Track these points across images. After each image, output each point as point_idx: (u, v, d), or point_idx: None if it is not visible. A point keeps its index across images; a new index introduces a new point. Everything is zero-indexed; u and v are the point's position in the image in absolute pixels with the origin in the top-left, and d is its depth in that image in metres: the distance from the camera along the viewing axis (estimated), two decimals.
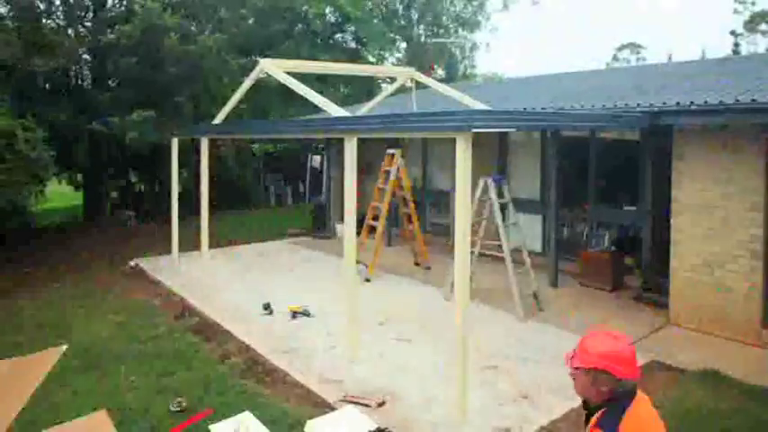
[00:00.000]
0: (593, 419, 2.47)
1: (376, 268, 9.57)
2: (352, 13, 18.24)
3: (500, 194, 7.81)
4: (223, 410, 5.23)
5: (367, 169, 12.79)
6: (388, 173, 9.70)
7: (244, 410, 5.19)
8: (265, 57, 9.69)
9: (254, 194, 19.65)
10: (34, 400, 5.43)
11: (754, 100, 6.19)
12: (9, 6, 12.29)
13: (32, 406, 5.35)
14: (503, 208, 7.87)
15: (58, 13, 13.53)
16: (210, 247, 10.38)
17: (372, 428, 4.65)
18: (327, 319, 7.42)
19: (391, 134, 6.44)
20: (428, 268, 9.98)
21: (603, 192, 9.32)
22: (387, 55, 23.73)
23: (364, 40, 20.48)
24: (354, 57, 19.64)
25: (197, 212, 10.44)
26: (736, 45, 34.74)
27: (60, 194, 16.82)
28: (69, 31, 13.33)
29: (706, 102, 6.54)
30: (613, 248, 8.98)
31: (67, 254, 11.65)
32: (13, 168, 9.55)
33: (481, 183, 7.77)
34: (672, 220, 7.21)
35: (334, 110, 6.91)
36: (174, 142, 10.85)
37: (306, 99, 7.48)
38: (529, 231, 10.32)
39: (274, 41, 18.07)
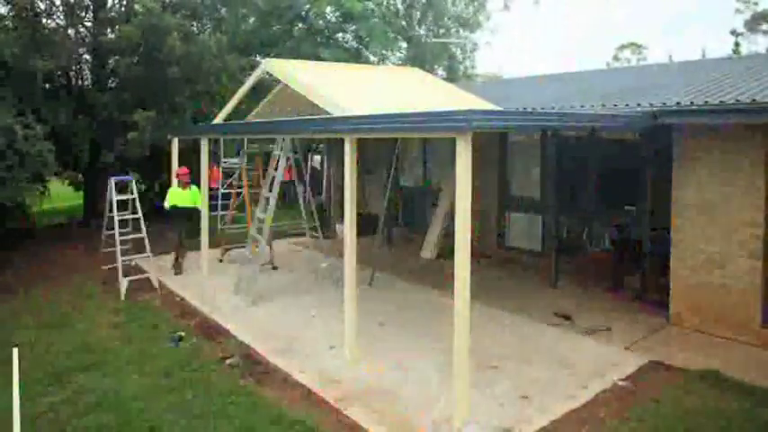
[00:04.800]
0: None
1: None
2: (354, 7, 18.17)
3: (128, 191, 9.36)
4: (224, 411, 5.24)
5: (368, 169, 12.81)
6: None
7: (244, 411, 5.21)
8: (266, 56, 9.69)
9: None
10: (34, 400, 5.46)
11: (754, 100, 6.19)
12: (9, 6, 12.28)
13: (32, 405, 5.39)
14: (124, 205, 9.53)
15: (58, 13, 13.52)
16: (211, 247, 10.35)
17: None
18: (327, 319, 7.43)
19: (391, 134, 6.44)
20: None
21: (603, 192, 9.31)
22: (388, 54, 23.71)
23: (366, 39, 20.46)
24: (356, 56, 19.62)
25: None
26: (737, 45, 34.71)
27: (61, 194, 16.82)
28: (69, 31, 13.31)
29: (706, 102, 6.54)
30: (613, 249, 8.97)
31: (68, 253, 11.65)
32: (14, 165, 9.56)
33: (110, 182, 9.35)
34: (672, 220, 7.21)
35: (335, 110, 6.91)
36: (174, 142, 10.84)
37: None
38: (529, 231, 10.35)
39: (275, 41, 18.04)
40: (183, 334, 7.09)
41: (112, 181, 9.48)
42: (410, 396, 5.40)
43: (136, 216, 9.62)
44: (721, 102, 6.39)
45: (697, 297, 6.99)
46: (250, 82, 9.15)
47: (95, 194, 15.02)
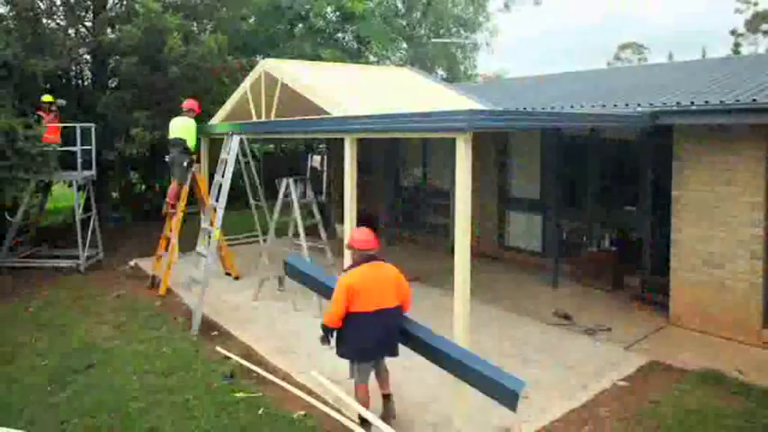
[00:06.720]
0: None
1: None
2: (355, 7, 18.17)
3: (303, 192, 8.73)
4: (224, 411, 5.24)
5: (367, 169, 12.80)
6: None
7: (245, 411, 5.20)
8: (266, 56, 9.67)
9: (255, 194, 19.59)
10: (34, 400, 5.46)
11: (754, 100, 6.20)
12: (9, 6, 12.27)
13: (32, 405, 5.39)
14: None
15: (59, 13, 13.50)
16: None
17: None
18: None
19: (391, 134, 6.44)
20: (236, 278, 9.78)
21: (603, 192, 9.31)
22: (389, 55, 23.70)
23: (367, 39, 20.45)
24: (356, 56, 19.61)
25: (197, 213, 10.44)
26: (737, 45, 34.74)
27: (63, 194, 16.81)
28: (70, 31, 13.30)
29: (706, 102, 6.55)
30: (613, 249, 8.97)
31: (68, 253, 11.64)
32: (15, 165, 9.57)
33: (283, 183, 8.44)
34: (672, 220, 7.21)
35: (334, 109, 6.92)
36: None
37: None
38: (529, 231, 10.35)
39: (276, 41, 18.03)
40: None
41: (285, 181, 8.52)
42: (410, 396, 5.41)
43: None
44: (721, 102, 6.40)
45: (697, 297, 7.00)
46: (248, 81, 9.15)
47: (95, 194, 15.01)
